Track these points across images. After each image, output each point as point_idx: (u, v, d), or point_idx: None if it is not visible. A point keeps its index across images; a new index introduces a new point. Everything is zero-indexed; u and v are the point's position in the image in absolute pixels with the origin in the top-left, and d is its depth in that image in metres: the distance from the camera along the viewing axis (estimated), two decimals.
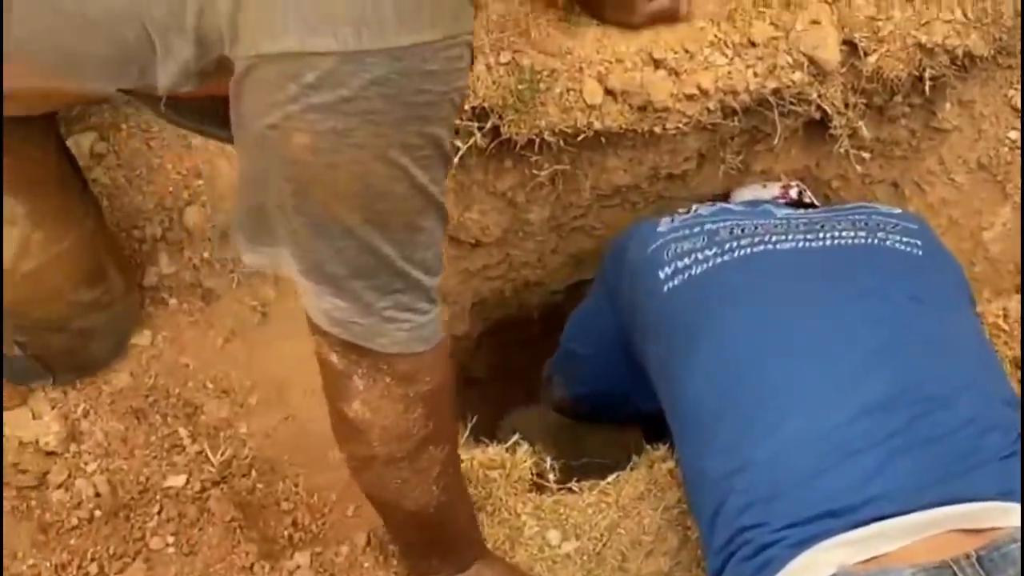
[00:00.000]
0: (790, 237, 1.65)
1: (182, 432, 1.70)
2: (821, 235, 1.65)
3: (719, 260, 1.62)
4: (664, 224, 1.77)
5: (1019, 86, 2.05)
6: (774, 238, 1.65)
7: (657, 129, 1.92)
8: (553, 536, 1.60)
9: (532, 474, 1.67)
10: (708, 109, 1.92)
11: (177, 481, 1.63)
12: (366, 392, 1.19)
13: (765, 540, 1.28)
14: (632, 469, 1.67)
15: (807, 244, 1.63)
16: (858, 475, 1.28)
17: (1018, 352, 1.76)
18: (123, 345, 1.73)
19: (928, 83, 1.99)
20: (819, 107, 1.97)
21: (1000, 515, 1.23)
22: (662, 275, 1.64)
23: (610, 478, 1.65)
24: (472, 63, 1.03)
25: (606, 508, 1.61)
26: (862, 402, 1.36)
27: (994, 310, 1.84)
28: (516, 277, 2.36)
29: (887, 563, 1.19)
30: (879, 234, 1.65)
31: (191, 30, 1.02)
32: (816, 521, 1.26)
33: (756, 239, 1.65)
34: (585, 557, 1.58)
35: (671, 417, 1.54)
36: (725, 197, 2.12)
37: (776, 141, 1.99)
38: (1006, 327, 1.81)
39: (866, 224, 1.68)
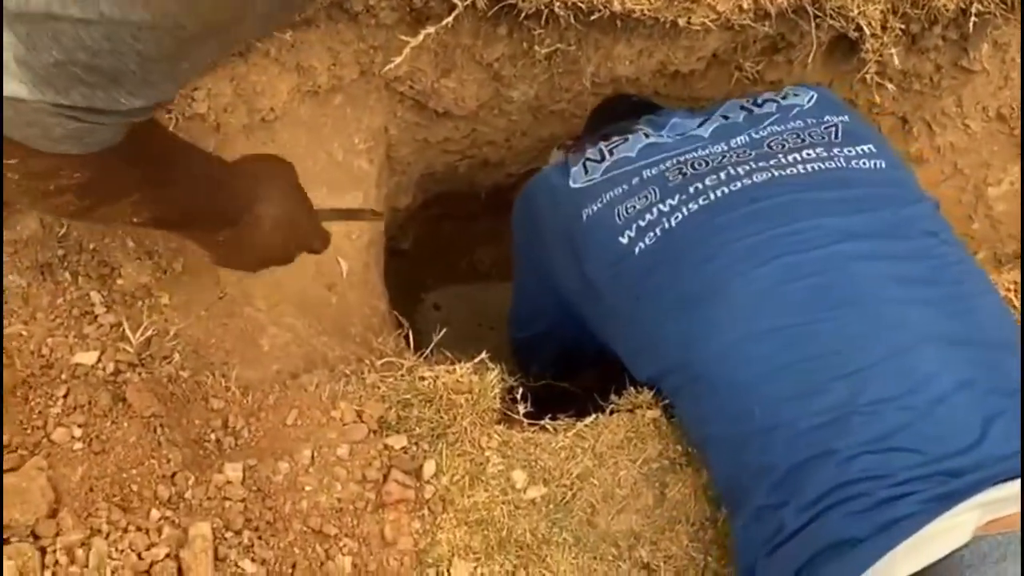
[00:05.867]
0: (755, 165, 1.50)
1: (95, 297, 1.43)
2: (782, 160, 1.50)
3: (692, 206, 1.46)
4: (579, 179, 1.58)
5: None
6: (739, 170, 1.49)
7: (681, 21, 1.69)
8: (519, 477, 1.41)
9: (500, 402, 1.47)
10: (741, 8, 1.70)
11: (87, 358, 1.36)
12: None
13: (888, 494, 1.17)
14: (612, 413, 1.48)
15: (779, 173, 1.48)
16: (966, 432, 1.21)
17: None
18: None
19: (973, 18, 1.81)
20: (857, 25, 1.76)
21: None
22: (625, 240, 1.47)
23: (587, 420, 1.47)
24: None
25: (580, 454, 1.43)
26: (943, 351, 1.27)
27: (1004, 282, 1.70)
28: (476, 155, 2.12)
29: (1012, 524, 1.13)
30: (835, 151, 1.52)
31: None
32: (937, 478, 1.18)
33: (721, 175, 1.49)
34: (551, 505, 1.40)
35: (686, 375, 1.36)
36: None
37: (807, 54, 1.80)
38: (1017, 303, 1.67)
39: (811, 136, 1.56)
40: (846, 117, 1.61)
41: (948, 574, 1.11)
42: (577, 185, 1.57)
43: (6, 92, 0.75)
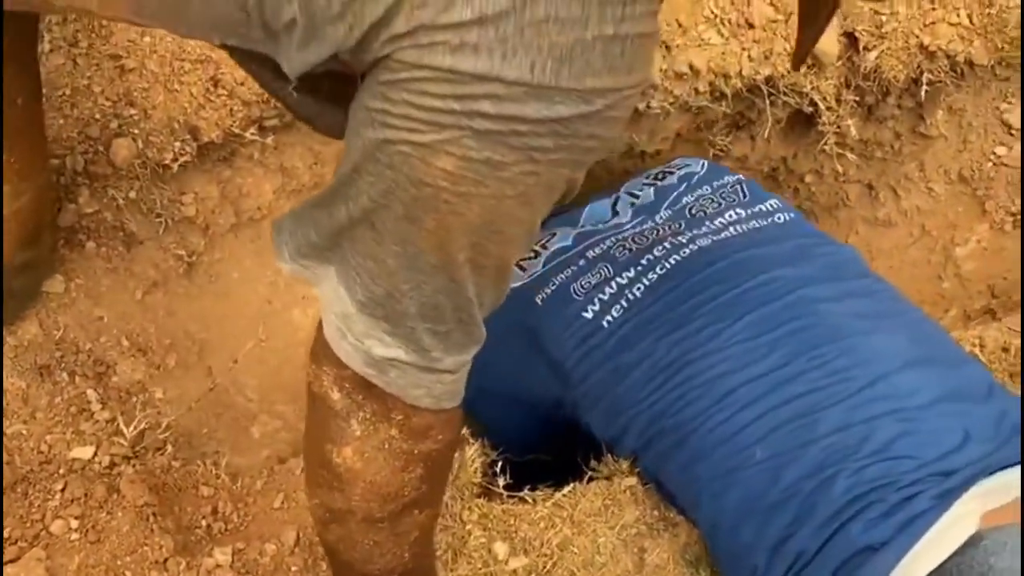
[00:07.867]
0: (693, 232, 1.63)
1: (91, 395, 1.51)
2: (711, 225, 1.64)
3: (652, 275, 1.57)
4: (518, 278, 1.65)
5: (1013, 100, 1.96)
6: (680, 239, 1.61)
7: (640, 106, 1.77)
8: (500, 549, 1.46)
9: (481, 476, 1.53)
10: (697, 91, 1.78)
11: (84, 453, 1.44)
12: (363, 440, 0.99)
13: (898, 497, 1.27)
14: (589, 481, 1.54)
15: (717, 237, 1.61)
16: (951, 436, 1.32)
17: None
18: (26, 308, 1.53)
19: (924, 87, 1.89)
20: (811, 100, 1.85)
21: None
22: (590, 315, 1.56)
23: (565, 489, 1.52)
24: None
25: (559, 523, 1.48)
26: (917, 371, 1.40)
27: (969, 338, 1.76)
28: None
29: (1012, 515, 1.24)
30: (751, 210, 1.67)
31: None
32: (934, 478, 1.28)
33: (666, 244, 1.61)
34: (533, 575, 1.46)
35: (676, 437, 1.43)
36: None
37: (764, 131, 1.88)
38: (982, 358, 1.72)
39: (724, 199, 1.70)
40: (738, 175, 1.76)
41: (975, 562, 1.19)
42: (518, 284, 1.63)
43: (386, 355, 0.93)
